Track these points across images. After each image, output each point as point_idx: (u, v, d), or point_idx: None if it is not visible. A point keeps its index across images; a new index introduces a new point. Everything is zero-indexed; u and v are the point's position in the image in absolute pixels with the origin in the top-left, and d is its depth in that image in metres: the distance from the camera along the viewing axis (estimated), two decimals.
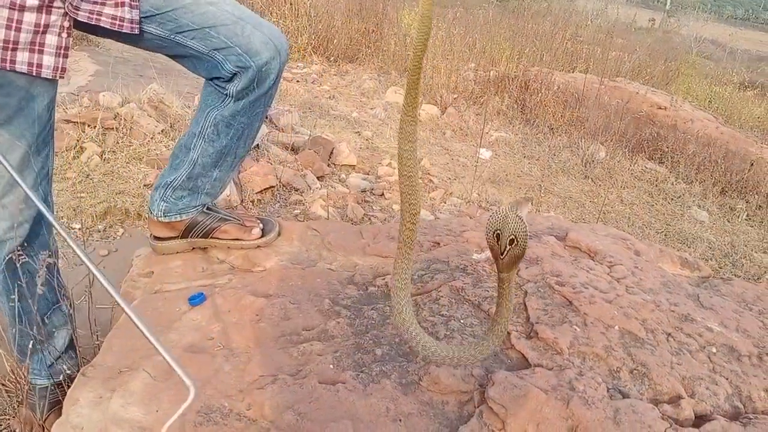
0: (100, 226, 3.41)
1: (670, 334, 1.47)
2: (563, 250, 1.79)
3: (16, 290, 1.64)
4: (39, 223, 1.70)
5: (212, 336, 1.52)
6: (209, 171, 1.80)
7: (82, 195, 3.62)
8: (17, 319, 1.72)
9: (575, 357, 1.37)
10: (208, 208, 1.91)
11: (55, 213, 1.83)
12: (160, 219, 1.87)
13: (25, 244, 1.63)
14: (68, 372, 1.86)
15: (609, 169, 5.35)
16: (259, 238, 1.91)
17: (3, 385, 2.11)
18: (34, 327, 1.66)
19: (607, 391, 1.27)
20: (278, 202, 3.70)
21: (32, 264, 1.64)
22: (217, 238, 1.90)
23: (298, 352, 1.45)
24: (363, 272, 1.81)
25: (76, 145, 3.95)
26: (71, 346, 1.93)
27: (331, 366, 1.38)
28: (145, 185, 3.72)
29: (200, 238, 1.91)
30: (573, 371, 1.30)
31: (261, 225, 1.93)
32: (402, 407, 1.29)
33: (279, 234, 1.98)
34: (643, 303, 1.54)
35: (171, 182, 1.82)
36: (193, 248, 1.95)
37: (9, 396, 2.11)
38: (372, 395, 1.32)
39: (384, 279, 1.76)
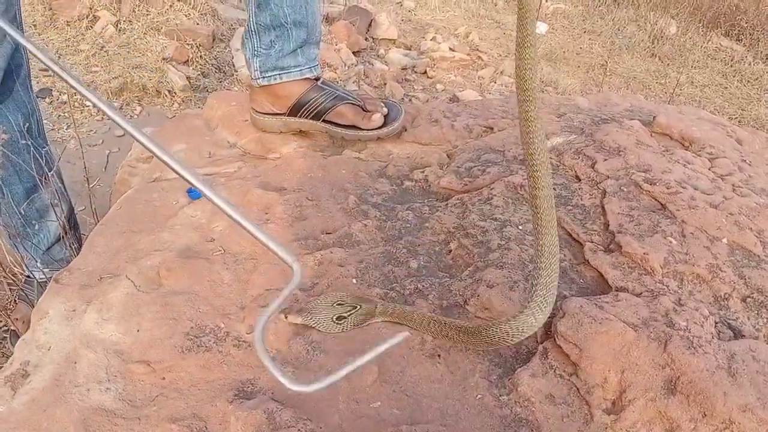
0: (116, 104, 3.14)
1: None
2: (650, 138, 1.42)
3: None
4: (11, 77, 1.44)
5: (212, 237, 1.25)
6: None
7: (96, 69, 3.32)
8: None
9: (671, 279, 1.05)
10: (323, 83, 1.58)
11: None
12: (259, 82, 1.55)
13: None
14: (63, 262, 1.66)
15: (680, 46, 4.78)
16: (381, 127, 1.55)
17: (4, 278, 1.93)
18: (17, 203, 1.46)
19: (715, 326, 0.96)
20: None
21: (9, 127, 1.41)
22: (331, 122, 1.56)
23: (314, 260, 1.16)
24: (397, 163, 1.49)
25: (89, 14, 3.61)
26: (71, 232, 1.71)
27: (354, 280, 1.10)
28: (163, 59, 3.39)
29: (311, 119, 1.58)
30: (670, 299, 0.99)
31: (385, 109, 1.56)
32: None
33: (404, 127, 1.62)
34: (757, 208, 1.19)
35: (250, 27, 1.52)
36: (300, 131, 1.62)
37: (11, 291, 1.93)
38: None
39: (423, 172, 1.44)
